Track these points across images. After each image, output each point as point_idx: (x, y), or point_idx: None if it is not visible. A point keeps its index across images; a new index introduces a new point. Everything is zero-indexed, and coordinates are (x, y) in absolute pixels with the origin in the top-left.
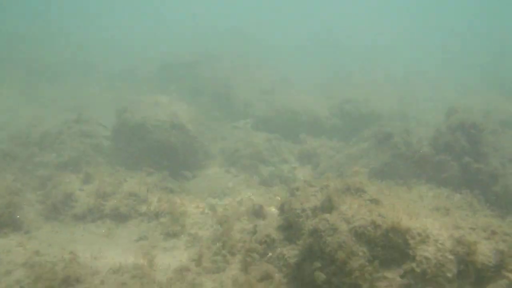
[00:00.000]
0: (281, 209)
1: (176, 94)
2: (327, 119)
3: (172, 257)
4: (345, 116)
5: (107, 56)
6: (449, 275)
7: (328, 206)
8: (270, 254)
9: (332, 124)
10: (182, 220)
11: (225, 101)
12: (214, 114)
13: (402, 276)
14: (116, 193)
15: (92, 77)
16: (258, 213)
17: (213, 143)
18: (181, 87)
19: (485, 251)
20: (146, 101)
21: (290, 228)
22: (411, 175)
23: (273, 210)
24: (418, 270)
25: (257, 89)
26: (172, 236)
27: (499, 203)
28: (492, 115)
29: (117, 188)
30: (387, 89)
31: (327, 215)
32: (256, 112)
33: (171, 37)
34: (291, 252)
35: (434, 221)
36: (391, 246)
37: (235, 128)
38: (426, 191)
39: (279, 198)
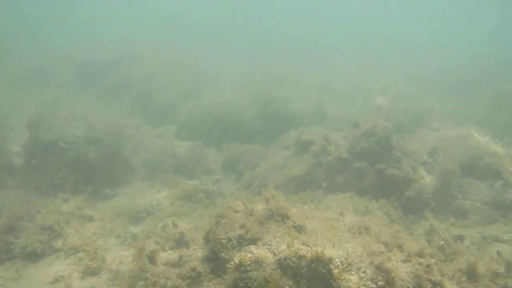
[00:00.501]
0: (206, 237)
1: (95, 98)
2: (251, 121)
3: None
4: (268, 119)
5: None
6: None
7: (253, 237)
8: None
9: (256, 127)
10: (101, 254)
11: (148, 104)
12: (137, 120)
13: None
14: (27, 228)
15: None
16: (182, 241)
17: (136, 154)
18: (100, 90)
19: (404, 276)
20: (60, 113)
21: (216, 259)
22: (332, 183)
23: (199, 236)
24: None
25: (182, 90)
26: (91, 274)
27: (412, 208)
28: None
29: (29, 222)
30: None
31: (252, 247)
32: (179, 117)
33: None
34: None
35: (355, 245)
36: (316, 277)
37: (158, 136)
38: (347, 201)
39: (206, 225)
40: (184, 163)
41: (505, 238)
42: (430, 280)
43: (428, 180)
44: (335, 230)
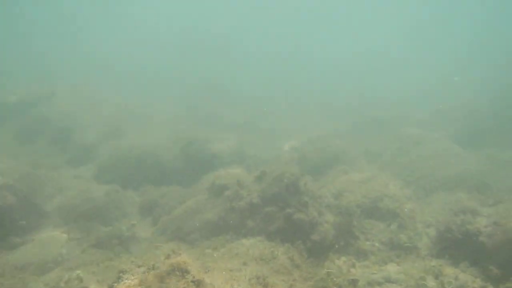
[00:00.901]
0: None
1: (12, 137)
2: (173, 162)
3: None
4: (190, 159)
5: None
6: None
7: None
8: None
9: (178, 168)
10: None
11: (65, 144)
12: (55, 160)
13: None
14: None
15: None
16: None
17: (50, 198)
18: (18, 128)
19: None
20: None
21: None
22: (244, 227)
23: None
24: None
25: (105, 129)
26: None
27: (317, 250)
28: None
29: None
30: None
31: None
32: (99, 158)
33: None
34: None
35: None
36: None
37: (76, 177)
38: (256, 246)
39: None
40: (100, 207)
41: (395, 277)
42: None
43: (332, 222)
44: (235, 282)
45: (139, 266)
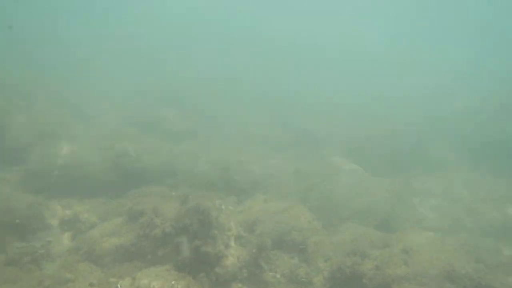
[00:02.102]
0: None
1: None
2: (103, 174)
3: None
4: (121, 173)
5: None
6: None
7: None
8: None
9: (107, 180)
10: None
11: None
12: None
13: None
14: None
15: None
16: None
17: None
18: None
19: None
20: None
21: None
22: (155, 255)
23: None
24: None
25: (43, 129)
26: None
27: (221, 283)
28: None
29: None
30: None
31: None
32: (28, 163)
33: None
34: None
35: None
36: None
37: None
38: (161, 275)
39: None
40: (19, 221)
41: None
42: None
43: (239, 253)
44: None
45: None
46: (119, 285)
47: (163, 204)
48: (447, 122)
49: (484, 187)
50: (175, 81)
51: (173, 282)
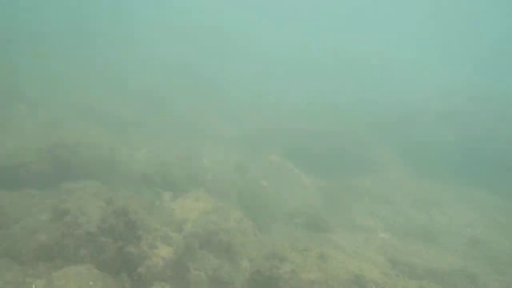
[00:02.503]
0: None
1: None
2: (35, 165)
3: None
4: (57, 164)
5: None
6: None
7: None
8: None
9: (40, 172)
10: None
11: None
12: None
13: None
14: None
15: None
16: None
17: None
18: None
19: None
20: None
21: None
22: (77, 255)
23: None
24: None
25: None
26: None
27: (143, 283)
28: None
29: None
30: None
31: None
32: None
33: None
34: None
35: None
36: None
37: None
38: (82, 274)
39: None
40: None
41: None
42: None
43: (165, 253)
44: None
45: None
46: (33, 286)
47: (90, 203)
48: (389, 124)
49: (416, 189)
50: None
51: (91, 283)
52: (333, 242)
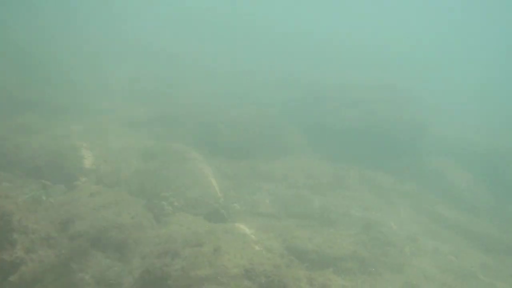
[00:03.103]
0: None
1: None
2: None
3: None
4: None
5: None
6: None
7: None
8: None
9: None
10: None
11: None
12: None
13: None
14: None
15: None
16: None
17: None
18: None
19: None
20: None
21: None
22: None
23: None
24: None
25: None
26: None
27: None
28: None
29: None
30: None
31: None
32: None
33: None
34: None
35: None
36: None
37: None
38: None
39: None
40: None
41: None
42: None
43: (44, 256)
44: None
45: None
46: None
47: None
48: (298, 107)
49: (318, 173)
50: None
51: None
52: (233, 232)
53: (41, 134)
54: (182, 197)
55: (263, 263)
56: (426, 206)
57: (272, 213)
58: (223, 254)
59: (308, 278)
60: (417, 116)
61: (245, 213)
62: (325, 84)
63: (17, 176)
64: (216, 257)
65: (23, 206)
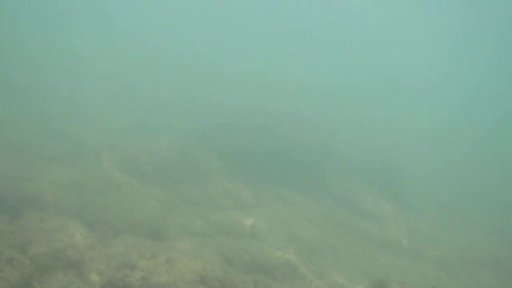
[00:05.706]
0: None
1: None
2: None
3: None
4: None
5: None
6: None
7: None
8: None
9: None
10: None
11: None
12: None
13: None
14: None
15: None
16: None
17: None
18: None
19: None
20: None
21: None
22: None
23: None
24: None
25: None
26: None
27: None
28: None
29: None
30: None
31: None
32: None
33: None
34: None
35: None
36: None
37: None
38: None
39: None
40: None
41: None
42: None
43: (9, 277)
44: None
45: None
46: None
47: None
48: (211, 133)
49: (236, 195)
50: None
51: None
52: (175, 248)
53: None
54: (123, 219)
55: (215, 270)
56: (336, 219)
57: (203, 232)
58: (177, 263)
59: (253, 281)
60: (322, 140)
61: (180, 233)
62: (236, 109)
63: None
64: (172, 266)
65: None
